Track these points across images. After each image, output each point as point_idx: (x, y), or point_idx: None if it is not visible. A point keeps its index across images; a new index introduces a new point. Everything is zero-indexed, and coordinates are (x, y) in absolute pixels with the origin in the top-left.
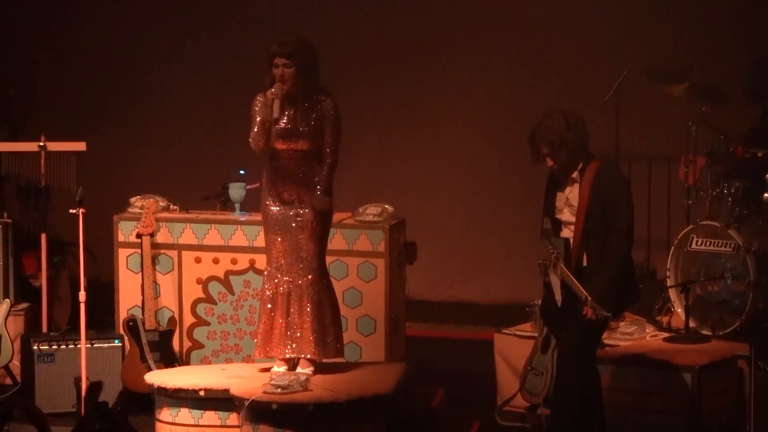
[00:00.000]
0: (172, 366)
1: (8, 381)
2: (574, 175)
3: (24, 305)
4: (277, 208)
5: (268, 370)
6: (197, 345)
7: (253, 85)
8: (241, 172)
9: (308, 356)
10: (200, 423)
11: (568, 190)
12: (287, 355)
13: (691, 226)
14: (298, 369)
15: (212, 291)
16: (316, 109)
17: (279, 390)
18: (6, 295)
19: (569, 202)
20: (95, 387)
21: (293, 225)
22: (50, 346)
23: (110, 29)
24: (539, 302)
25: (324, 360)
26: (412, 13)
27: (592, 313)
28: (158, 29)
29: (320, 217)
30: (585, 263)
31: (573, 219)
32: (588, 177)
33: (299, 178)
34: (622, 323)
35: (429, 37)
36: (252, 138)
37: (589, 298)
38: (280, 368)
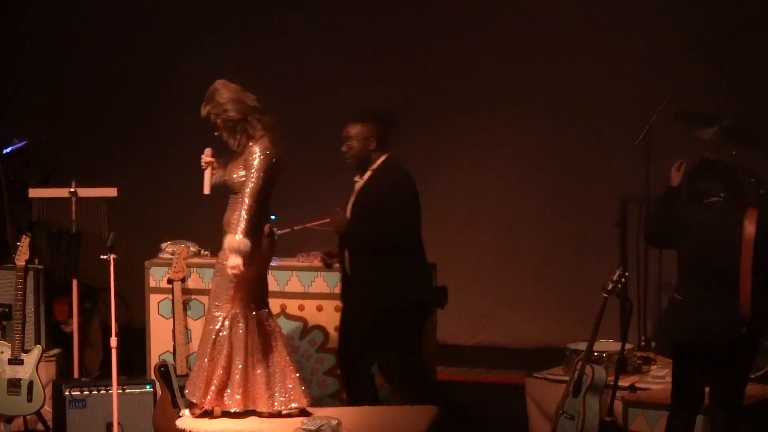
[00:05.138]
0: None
1: (40, 427)
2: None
3: (55, 351)
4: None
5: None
6: None
7: (286, 130)
8: (272, 217)
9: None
10: None
11: None
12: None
13: None
14: None
15: None
16: (245, 158)
17: None
18: (37, 341)
19: None
20: None
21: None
22: (82, 391)
23: (142, 75)
24: (572, 346)
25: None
26: (445, 60)
27: None
28: (190, 75)
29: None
30: None
31: None
32: None
33: (227, 228)
34: (653, 366)
35: (459, 83)
36: None
37: None
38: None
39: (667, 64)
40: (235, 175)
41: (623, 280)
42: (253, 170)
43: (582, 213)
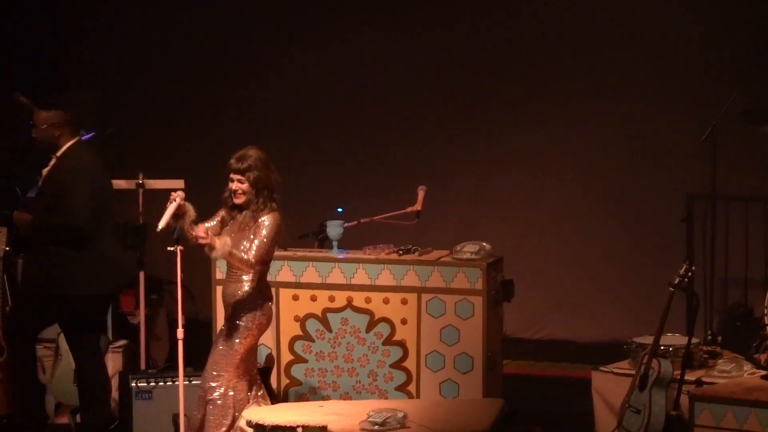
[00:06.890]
0: (270, 403)
1: None
2: None
3: (122, 343)
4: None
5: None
6: (295, 382)
7: (353, 127)
8: (339, 210)
9: None
10: None
11: None
12: None
13: None
14: None
15: (310, 328)
16: (257, 228)
17: (376, 427)
18: (104, 333)
19: None
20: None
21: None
22: (148, 383)
23: (209, 66)
24: (639, 340)
25: None
26: (511, 60)
27: None
28: (258, 68)
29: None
30: None
31: None
32: None
33: (234, 296)
34: (720, 361)
35: (526, 82)
36: None
37: None
38: None
39: (733, 62)
40: (242, 247)
41: (690, 274)
42: (263, 237)
43: (647, 209)
